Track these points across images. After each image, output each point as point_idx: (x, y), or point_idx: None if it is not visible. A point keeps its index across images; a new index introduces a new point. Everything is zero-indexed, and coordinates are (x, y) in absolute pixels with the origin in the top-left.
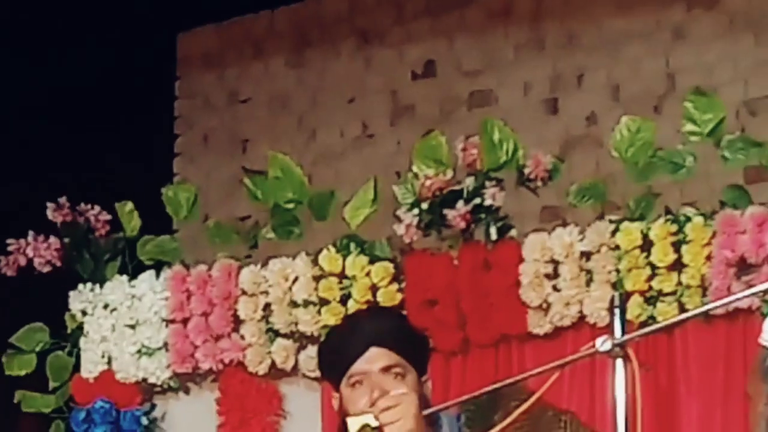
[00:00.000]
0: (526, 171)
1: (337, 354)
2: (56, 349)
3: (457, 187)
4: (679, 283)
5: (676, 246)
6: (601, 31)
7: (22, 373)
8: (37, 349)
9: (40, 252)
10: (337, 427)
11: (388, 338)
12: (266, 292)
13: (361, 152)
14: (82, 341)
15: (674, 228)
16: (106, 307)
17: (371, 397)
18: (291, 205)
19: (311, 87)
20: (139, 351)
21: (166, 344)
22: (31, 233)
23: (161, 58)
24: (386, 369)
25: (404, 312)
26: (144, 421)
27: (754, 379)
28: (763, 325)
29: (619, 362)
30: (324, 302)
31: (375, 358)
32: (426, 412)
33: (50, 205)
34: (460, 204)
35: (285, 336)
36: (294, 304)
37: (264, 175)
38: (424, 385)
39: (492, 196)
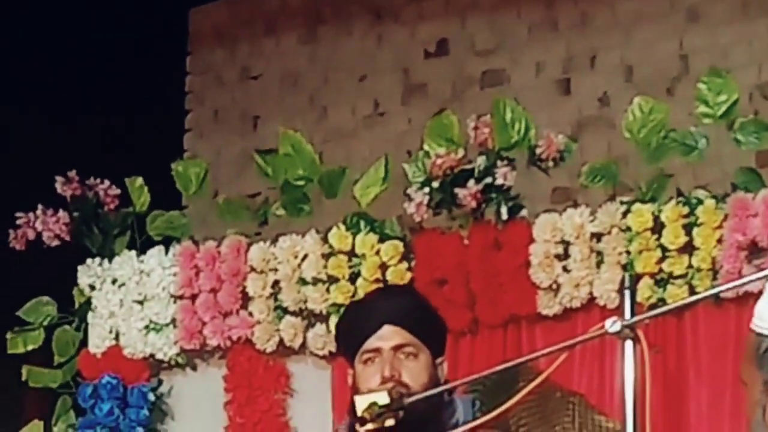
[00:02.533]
0: (538, 151)
1: (351, 330)
2: (63, 323)
3: (468, 166)
4: (690, 266)
5: (687, 228)
6: (615, 12)
7: (29, 348)
8: (45, 323)
9: (49, 226)
10: (349, 403)
11: (402, 317)
12: (275, 270)
13: (372, 130)
14: (89, 316)
15: (685, 210)
16: (114, 282)
17: (382, 375)
18: (301, 182)
19: (323, 64)
20: (147, 327)
21: (174, 320)
22: (40, 207)
23: (173, 33)
24: (398, 347)
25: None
26: (151, 397)
27: (749, 366)
28: (755, 310)
29: (629, 344)
30: (333, 280)
31: (388, 336)
32: (426, 393)
33: (59, 178)
34: (471, 183)
35: (293, 314)
36: (303, 281)
37: (275, 153)
38: (439, 366)
39: (503, 176)
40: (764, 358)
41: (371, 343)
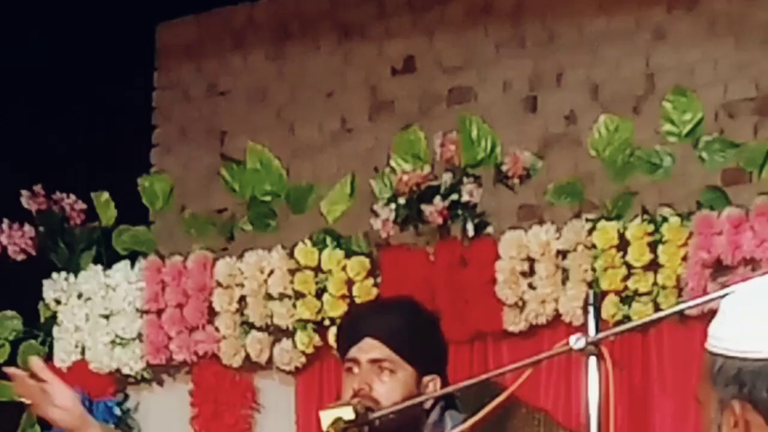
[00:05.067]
0: (504, 168)
1: (340, 338)
2: (29, 338)
3: (434, 183)
4: (655, 284)
5: (653, 246)
6: (582, 30)
7: None
8: (10, 337)
9: (15, 240)
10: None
11: (384, 333)
12: (241, 285)
13: (339, 147)
14: (55, 330)
15: (651, 228)
16: (80, 296)
17: (353, 387)
18: (268, 198)
19: (290, 80)
20: (113, 341)
21: (140, 335)
22: (5, 221)
23: (140, 48)
24: (374, 361)
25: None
26: (117, 411)
27: (704, 385)
28: (709, 330)
29: (593, 360)
30: (299, 296)
31: (367, 349)
32: (387, 410)
33: (25, 193)
34: (437, 200)
35: (260, 329)
36: (269, 297)
37: (242, 164)
38: (426, 385)
39: (469, 193)
40: (718, 377)
41: (352, 353)
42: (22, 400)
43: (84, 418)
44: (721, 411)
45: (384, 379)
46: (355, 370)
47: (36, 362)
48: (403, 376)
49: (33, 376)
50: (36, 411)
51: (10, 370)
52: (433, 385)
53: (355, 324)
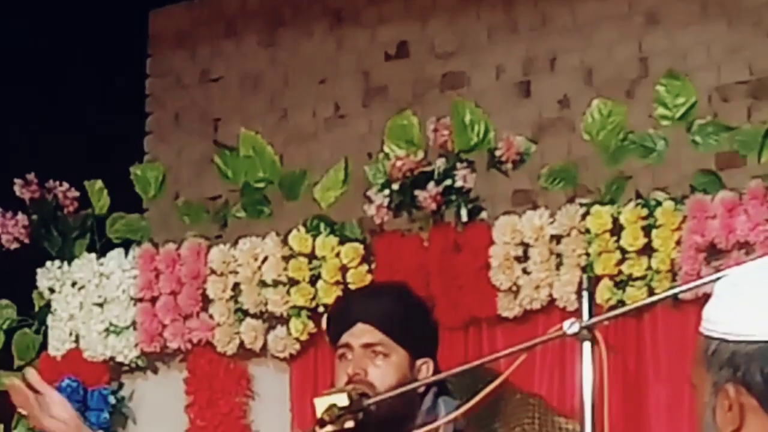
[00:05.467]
0: (498, 153)
1: (330, 325)
2: (23, 326)
3: (428, 169)
4: (649, 268)
5: (646, 230)
6: (574, 14)
7: None
8: (4, 326)
9: (8, 229)
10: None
11: (375, 317)
12: (235, 272)
13: (332, 133)
14: (49, 319)
15: (644, 212)
16: (74, 284)
17: (347, 372)
18: (262, 185)
19: (283, 67)
20: (107, 329)
21: (134, 323)
22: None
23: (133, 35)
24: (368, 346)
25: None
26: (111, 400)
27: (698, 369)
28: (703, 313)
29: (587, 345)
30: (293, 282)
31: (359, 334)
32: (384, 396)
33: (18, 181)
34: (430, 185)
35: (254, 316)
36: (263, 284)
37: (235, 151)
38: (419, 368)
39: (463, 178)
40: (712, 360)
41: (344, 338)
42: (19, 410)
43: (80, 429)
44: (715, 394)
45: (378, 363)
46: (349, 355)
47: (32, 374)
48: (397, 360)
49: (29, 386)
50: (33, 422)
51: (8, 380)
52: (426, 369)
53: (346, 310)
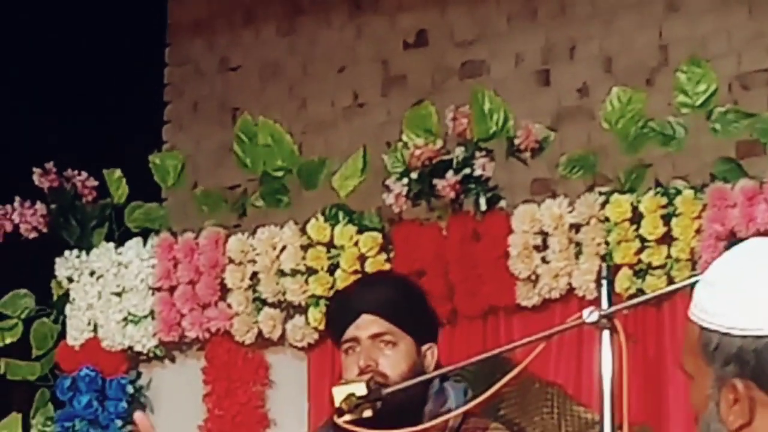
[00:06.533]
0: (517, 142)
1: (333, 320)
2: (41, 316)
3: (446, 157)
4: (669, 257)
5: (666, 219)
6: (594, 2)
7: (7, 341)
8: (22, 316)
9: (27, 218)
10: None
11: (379, 306)
12: (254, 261)
13: (351, 121)
14: (67, 308)
15: (664, 201)
16: (92, 274)
17: (358, 365)
18: (280, 174)
19: (302, 55)
20: (125, 319)
21: (152, 312)
22: (17, 199)
23: (152, 24)
24: (376, 336)
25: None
26: (129, 389)
27: (694, 359)
28: (694, 298)
29: (606, 334)
30: (312, 272)
31: (365, 325)
32: (405, 384)
33: (37, 170)
34: (449, 174)
35: (272, 305)
36: (282, 273)
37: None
38: (425, 354)
39: (482, 167)
40: (715, 355)
41: (350, 332)
42: None
43: None
44: (719, 389)
45: (387, 352)
46: (356, 348)
47: (140, 417)
48: (405, 347)
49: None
50: None
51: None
52: (431, 354)
53: (348, 303)
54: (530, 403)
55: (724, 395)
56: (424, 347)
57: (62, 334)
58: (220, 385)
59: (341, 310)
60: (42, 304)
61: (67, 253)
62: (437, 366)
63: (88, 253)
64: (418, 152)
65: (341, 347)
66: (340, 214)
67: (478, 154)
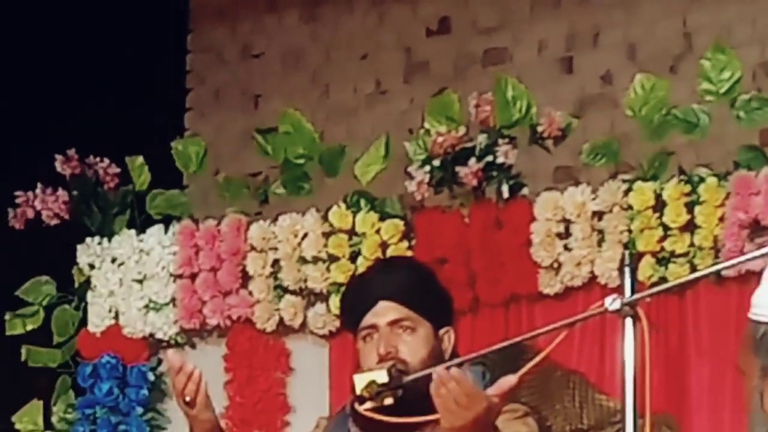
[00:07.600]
0: (539, 129)
1: (350, 308)
2: (63, 303)
3: (469, 145)
4: (692, 245)
5: (689, 207)
6: None
7: (29, 328)
8: (44, 303)
9: (48, 205)
10: (349, 381)
11: (397, 292)
12: (275, 248)
13: (373, 109)
14: (89, 295)
15: (687, 188)
16: (113, 261)
17: (378, 353)
18: (302, 161)
19: (325, 42)
20: (146, 306)
21: (173, 299)
22: (39, 186)
23: (173, 11)
24: (394, 323)
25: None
26: (150, 376)
27: (747, 355)
28: (752, 299)
29: (629, 322)
30: (333, 259)
31: (383, 312)
32: (425, 372)
33: (59, 157)
34: (472, 161)
35: (293, 293)
36: (303, 260)
37: (274, 132)
38: (442, 338)
39: (504, 154)
40: (761, 345)
41: (368, 319)
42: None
43: None
44: (763, 378)
45: (406, 338)
46: (375, 335)
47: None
48: (423, 332)
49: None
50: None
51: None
52: (448, 338)
53: (364, 290)
54: (552, 391)
55: (767, 385)
56: (441, 331)
57: (83, 321)
58: (242, 373)
59: (358, 297)
60: (63, 291)
61: (88, 240)
62: (454, 349)
63: (109, 240)
64: (440, 139)
65: (358, 334)
66: (362, 202)
67: (500, 141)
